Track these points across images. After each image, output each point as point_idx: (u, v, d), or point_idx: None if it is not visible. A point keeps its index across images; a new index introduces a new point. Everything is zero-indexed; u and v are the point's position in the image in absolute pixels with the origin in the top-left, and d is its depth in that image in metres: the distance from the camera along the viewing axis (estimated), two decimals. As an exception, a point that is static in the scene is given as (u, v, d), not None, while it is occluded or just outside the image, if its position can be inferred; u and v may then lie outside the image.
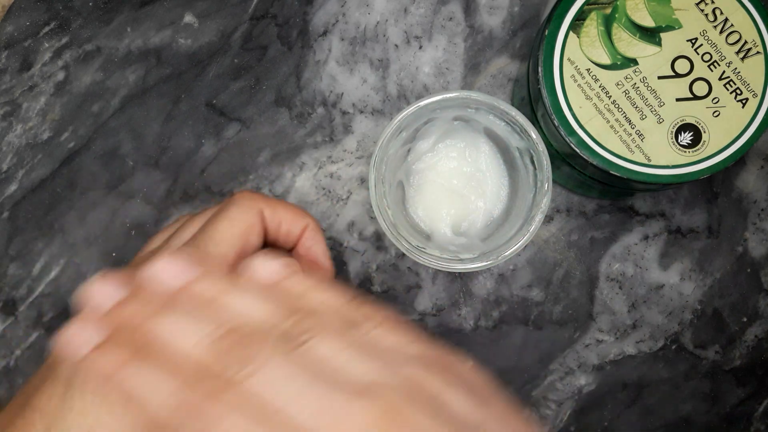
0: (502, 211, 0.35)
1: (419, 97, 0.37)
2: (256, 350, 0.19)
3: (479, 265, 0.31)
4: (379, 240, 0.38)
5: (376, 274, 0.38)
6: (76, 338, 0.20)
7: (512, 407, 0.21)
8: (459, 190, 0.34)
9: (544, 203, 0.31)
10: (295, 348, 0.19)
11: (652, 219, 0.38)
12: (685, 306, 0.38)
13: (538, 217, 0.30)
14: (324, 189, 0.38)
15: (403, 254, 0.38)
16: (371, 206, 0.38)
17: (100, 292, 0.22)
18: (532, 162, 0.32)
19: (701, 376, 0.38)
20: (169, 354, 0.19)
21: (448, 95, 0.31)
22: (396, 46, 0.38)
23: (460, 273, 0.38)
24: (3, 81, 0.38)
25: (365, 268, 0.38)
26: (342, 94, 0.38)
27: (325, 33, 0.38)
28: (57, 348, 0.20)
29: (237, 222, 0.26)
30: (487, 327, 0.38)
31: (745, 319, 0.38)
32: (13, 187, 0.38)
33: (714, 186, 0.38)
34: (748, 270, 0.38)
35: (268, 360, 0.19)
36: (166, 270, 0.21)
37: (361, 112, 0.38)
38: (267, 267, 0.22)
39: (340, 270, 0.38)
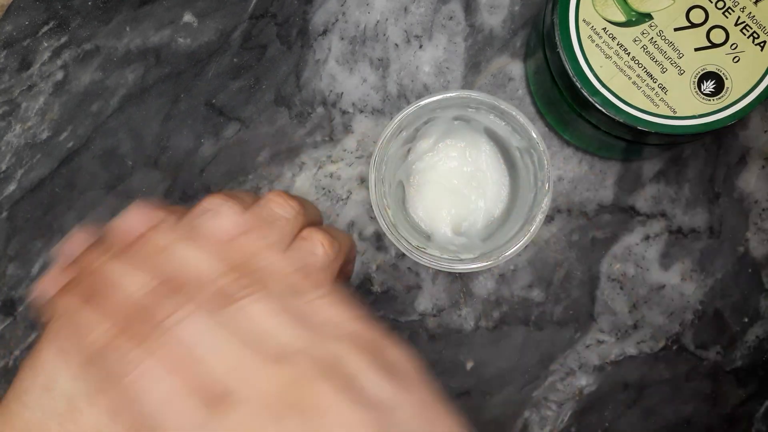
0: (502, 211, 0.35)
1: (419, 97, 0.37)
2: (186, 301, 0.20)
3: (480, 265, 0.31)
4: (379, 240, 0.38)
5: (376, 274, 0.38)
6: (45, 283, 0.22)
7: (436, 396, 0.21)
8: (459, 190, 0.34)
9: (545, 203, 0.30)
10: (227, 304, 0.20)
11: (653, 219, 0.38)
12: (686, 306, 0.38)
13: (539, 217, 0.30)
14: (324, 189, 0.38)
15: (403, 254, 0.38)
16: (371, 206, 0.38)
17: (74, 242, 0.23)
18: (533, 161, 0.32)
19: (702, 376, 0.38)
20: (114, 296, 0.20)
21: (448, 95, 0.31)
22: (396, 45, 0.38)
23: (460, 273, 0.38)
24: (2, 80, 0.38)
25: (365, 268, 0.38)
26: (342, 93, 0.38)
27: (324, 32, 0.38)
28: (35, 293, 0.22)
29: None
30: (487, 327, 0.38)
31: (746, 320, 0.38)
32: (12, 187, 0.38)
33: (715, 186, 0.38)
34: (750, 270, 0.38)
35: (194, 312, 0.19)
36: (128, 218, 0.23)
37: (361, 111, 0.38)
38: (223, 221, 0.22)
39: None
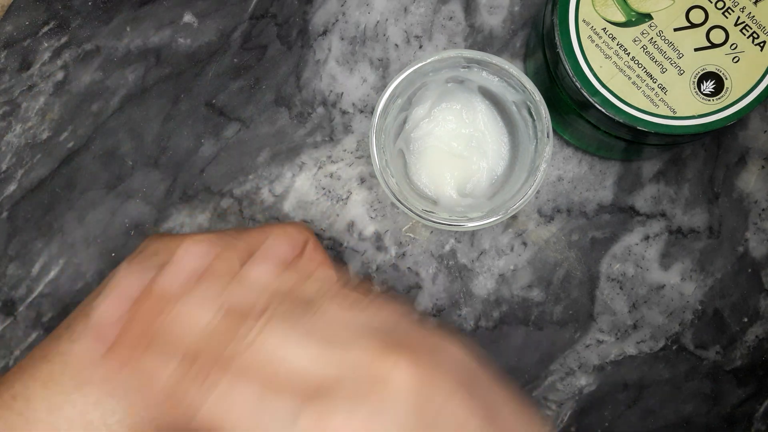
0: (505, 167, 0.35)
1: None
2: (256, 319, 0.21)
3: (490, 220, 0.31)
4: (379, 240, 0.38)
5: (376, 274, 0.38)
6: (98, 331, 0.23)
7: (501, 379, 0.22)
8: (460, 153, 0.34)
9: (547, 152, 0.30)
10: (295, 314, 0.22)
11: (653, 219, 0.38)
12: (685, 306, 0.38)
13: (543, 167, 0.30)
14: (324, 189, 0.38)
15: (404, 254, 0.38)
16: (371, 206, 0.38)
17: (126, 282, 0.24)
18: (530, 113, 0.32)
19: (702, 376, 0.38)
20: (175, 339, 0.21)
21: (438, 56, 0.31)
22: (396, 45, 0.38)
23: (460, 272, 0.38)
24: (2, 81, 0.38)
25: (365, 268, 0.38)
26: (342, 93, 0.38)
27: (324, 32, 0.38)
28: (88, 325, 0.24)
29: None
30: (487, 327, 0.38)
31: (745, 320, 0.38)
32: (12, 187, 0.38)
33: (715, 186, 0.38)
34: (749, 270, 0.38)
35: (267, 324, 0.21)
36: (184, 257, 0.24)
37: (361, 111, 0.38)
38: (272, 257, 0.25)
39: (340, 270, 0.38)
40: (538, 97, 0.31)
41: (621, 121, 0.31)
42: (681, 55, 0.31)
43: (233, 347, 0.21)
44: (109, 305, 0.24)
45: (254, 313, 0.22)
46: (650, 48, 0.31)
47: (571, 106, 0.33)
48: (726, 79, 0.31)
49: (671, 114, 0.31)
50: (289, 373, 0.20)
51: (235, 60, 0.38)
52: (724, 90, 0.31)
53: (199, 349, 0.21)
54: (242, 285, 0.23)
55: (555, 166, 0.38)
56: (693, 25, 0.31)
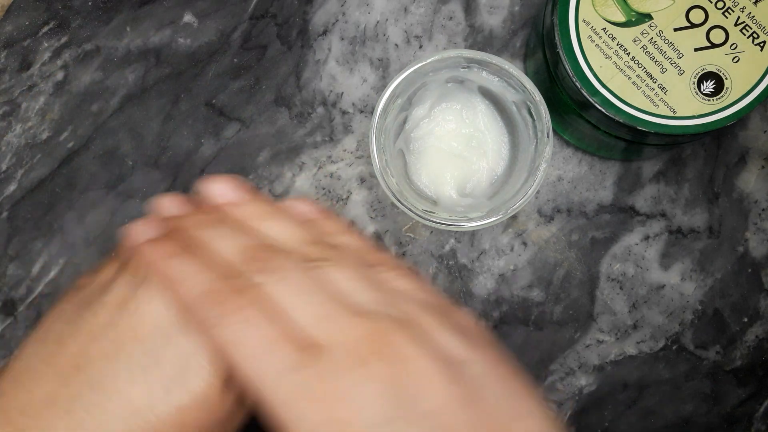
0: (505, 167, 0.35)
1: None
2: (279, 262, 0.22)
3: (490, 220, 0.31)
4: (379, 240, 0.38)
5: (376, 275, 0.38)
6: (136, 231, 0.24)
7: (504, 357, 0.22)
8: (460, 153, 0.34)
9: (547, 152, 0.31)
10: (312, 268, 0.22)
11: (653, 219, 0.38)
12: (685, 306, 0.38)
13: (543, 167, 0.30)
14: (324, 189, 0.38)
15: (404, 254, 0.38)
16: (371, 206, 0.38)
17: (165, 204, 0.26)
18: (530, 113, 0.32)
19: (702, 376, 0.38)
20: (208, 254, 0.22)
21: (438, 56, 0.31)
22: (396, 45, 0.38)
23: (460, 272, 0.38)
24: (2, 81, 0.38)
25: (365, 268, 0.38)
26: (342, 93, 0.38)
27: (324, 32, 0.38)
28: (120, 237, 0.25)
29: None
30: (487, 327, 0.38)
31: (745, 320, 0.38)
32: (12, 187, 0.38)
33: (715, 186, 0.38)
34: (749, 270, 0.38)
35: (287, 271, 0.22)
36: (220, 188, 0.26)
37: (361, 111, 0.38)
38: (305, 206, 0.26)
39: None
40: (538, 97, 0.31)
41: (621, 121, 0.31)
42: (681, 55, 0.31)
43: (263, 279, 0.21)
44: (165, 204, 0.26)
45: (281, 250, 0.23)
46: (650, 48, 0.31)
47: (571, 106, 0.33)
48: (726, 79, 0.31)
49: (671, 114, 0.31)
50: (297, 325, 0.21)
51: (235, 60, 0.38)
52: (724, 90, 0.31)
53: (234, 272, 0.22)
54: (277, 223, 0.24)
55: (555, 166, 0.38)
56: (693, 25, 0.31)
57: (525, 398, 0.21)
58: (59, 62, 0.38)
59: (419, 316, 0.22)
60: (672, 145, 0.35)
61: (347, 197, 0.38)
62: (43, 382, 0.22)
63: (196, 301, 0.21)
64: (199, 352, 0.22)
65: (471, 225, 0.31)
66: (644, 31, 0.31)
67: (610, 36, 0.31)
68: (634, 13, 0.31)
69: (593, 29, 0.31)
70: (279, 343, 0.20)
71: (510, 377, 0.22)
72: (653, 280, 0.38)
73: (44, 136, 0.38)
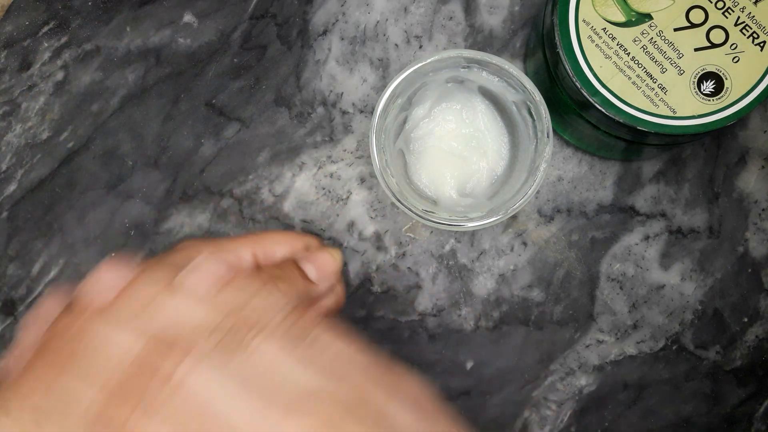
0: (505, 167, 0.35)
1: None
2: (184, 355, 0.18)
3: (490, 220, 0.31)
4: (379, 240, 0.38)
5: (376, 274, 0.38)
6: (9, 362, 0.20)
7: (458, 425, 0.20)
8: (460, 153, 0.34)
9: (547, 152, 0.31)
10: (231, 353, 0.19)
11: (653, 219, 0.38)
12: (685, 306, 0.38)
13: (543, 167, 0.30)
14: (324, 189, 0.38)
15: (404, 254, 0.38)
16: (371, 206, 0.38)
17: (46, 305, 0.22)
18: (530, 113, 0.32)
19: (702, 376, 0.38)
20: (94, 361, 0.19)
21: (438, 56, 0.31)
22: (396, 45, 0.38)
23: (460, 272, 0.38)
24: (2, 81, 0.38)
25: (365, 268, 0.38)
26: (342, 93, 0.38)
27: (324, 32, 0.38)
28: None
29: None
30: (487, 327, 0.38)
31: (745, 320, 0.38)
32: (12, 187, 0.38)
33: (715, 186, 0.38)
34: (749, 270, 0.38)
35: (196, 365, 0.18)
36: (101, 276, 0.21)
37: (361, 111, 0.38)
38: (202, 277, 0.21)
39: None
40: (538, 97, 0.31)
41: (621, 121, 0.31)
42: (681, 55, 0.31)
43: (159, 386, 0.18)
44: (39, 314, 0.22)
45: (182, 344, 0.18)
46: (650, 48, 0.31)
47: (571, 106, 0.33)
48: (726, 79, 0.31)
49: (671, 114, 0.31)
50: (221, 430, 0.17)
51: (235, 60, 0.38)
52: (724, 90, 0.31)
53: (123, 382, 0.18)
54: (171, 306, 0.20)
55: (555, 166, 0.38)
56: (693, 25, 0.31)
57: None
58: (59, 62, 0.38)
59: (368, 392, 0.19)
60: (672, 145, 0.35)
61: (347, 197, 0.38)
62: None
63: (90, 428, 0.18)
64: None
65: (471, 225, 0.31)
66: (644, 31, 0.31)
67: (610, 36, 0.31)
68: (634, 13, 0.31)
69: (593, 29, 0.31)
70: None
71: None
72: (653, 280, 0.38)
73: (44, 136, 0.38)
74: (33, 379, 0.19)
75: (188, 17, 0.38)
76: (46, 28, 0.38)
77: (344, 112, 0.38)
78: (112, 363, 0.18)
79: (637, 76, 0.31)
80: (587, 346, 0.38)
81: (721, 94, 0.31)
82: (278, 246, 0.24)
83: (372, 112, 0.38)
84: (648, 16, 0.31)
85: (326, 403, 0.18)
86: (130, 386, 0.18)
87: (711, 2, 0.31)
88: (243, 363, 0.18)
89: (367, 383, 0.19)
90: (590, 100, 0.31)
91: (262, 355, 0.19)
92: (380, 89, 0.38)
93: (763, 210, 0.38)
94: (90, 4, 0.38)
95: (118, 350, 0.19)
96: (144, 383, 0.18)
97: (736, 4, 0.31)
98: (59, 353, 0.19)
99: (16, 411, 0.18)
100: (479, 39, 0.38)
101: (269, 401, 0.18)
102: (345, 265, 0.38)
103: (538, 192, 0.38)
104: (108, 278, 0.21)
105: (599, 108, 0.31)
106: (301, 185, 0.38)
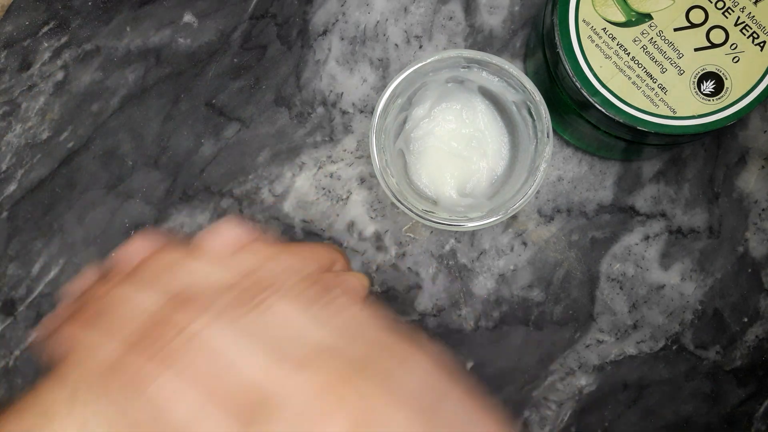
0: (505, 167, 0.35)
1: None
2: (201, 311, 0.19)
3: (490, 220, 0.31)
4: (379, 240, 0.38)
5: (376, 274, 0.38)
6: (47, 322, 0.22)
7: (472, 394, 0.20)
8: (460, 153, 0.34)
9: (547, 152, 0.31)
10: (246, 311, 0.19)
11: (653, 219, 0.38)
12: (685, 306, 0.38)
13: (543, 167, 0.30)
14: (324, 189, 0.38)
15: (404, 254, 0.38)
16: (371, 206, 0.38)
17: (84, 277, 0.23)
18: (530, 113, 0.32)
19: (702, 376, 0.38)
20: (115, 317, 0.20)
21: (438, 56, 0.31)
22: (396, 45, 0.38)
23: (460, 272, 0.38)
24: (2, 81, 0.38)
25: (365, 268, 0.38)
26: (342, 93, 0.38)
27: (324, 32, 0.38)
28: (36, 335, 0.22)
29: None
30: (487, 327, 0.38)
31: (745, 320, 0.38)
32: (12, 187, 0.38)
33: (715, 186, 0.38)
34: (749, 270, 0.38)
35: (211, 321, 0.19)
36: (131, 246, 0.23)
37: (361, 111, 0.38)
38: (228, 232, 0.22)
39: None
40: (538, 97, 0.31)
41: (621, 121, 0.31)
42: (681, 55, 0.31)
43: (174, 338, 0.18)
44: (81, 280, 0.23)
45: (199, 301, 0.19)
46: (650, 48, 0.31)
47: (571, 106, 0.33)
48: (726, 79, 0.31)
49: (671, 114, 0.31)
50: (233, 384, 0.18)
51: (235, 60, 0.38)
52: (724, 90, 0.31)
53: (142, 335, 0.19)
54: (191, 267, 0.21)
55: (555, 166, 0.38)
56: (693, 25, 0.31)
57: None
58: (59, 62, 0.38)
59: (378, 354, 0.19)
60: (672, 145, 0.35)
61: (347, 197, 0.38)
62: None
63: (108, 376, 0.18)
64: None
65: (471, 225, 0.31)
66: (644, 31, 0.31)
67: (610, 36, 0.31)
68: (634, 13, 0.31)
69: (593, 29, 0.31)
70: (212, 408, 0.18)
71: (480, 413, 0.20)
72: (653, 280, 0.38)
73: (44, 136, 0.38)
74: (59, 337, 0.20)
75: (188, 17, 0.38)
76: (46, 28, 0.38)
77: (344, 112, 0.38)
78: (133, 319, 0.19)
79: (637, 76, 0.31)
80: (587, 346, 0.38)
81: (721, 94, 0.31)
82: (306, 262, 0.24)
83: (372, 112, 0.38)
84: (648, 16, 0.31)
85: (337, 361, 0.18)
86: (147, 338, 0.19)
87: (711, 2, 0.31)
88: (257, 319, 0.19)
89: (379, 347, 0.19)
90: (590, 100, 0.31)
91: (275, 313, 0.19)
92: (380, 89, 0.38)
93: (763, 210, 0.38)
94: (90, 4, 0.38)
95: (139, 308, 0.20)
96: (161, 335, 0.19)
97: (736, 4, 0.31)
98: (87, 314, 0.20)
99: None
100: (479, 39, 0.38)
101: (281, 356, 0.18)
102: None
103: (538, 192, 0.38)
104: (139, 247, 0.22)
105: (599, 108, 0.31)
106: (301, 185, 0.38)
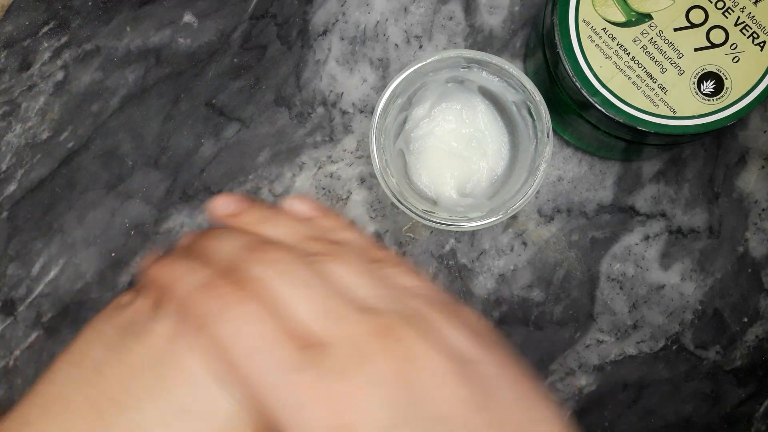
0: (505, 167, 0.35)
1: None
2: (279, 255, 0.21)
3: (490, 220, 0.31)
4: (379, 240, 0.38)
5: (376, 275, 0.38)
6: (146, 261, 0.24)
7: (513, 357, 0.21)
8: (460, 153, 0.34)
9: (547, 152, 0.31)
10: (314, 262, 0.22)
11: (653, 219, 0.38)
12: (685, 306, 0.38)
13: (543, 167, 0.30)
14: (324, 189, 0.38)
15: (404, 254, 0.38)
16: (371, 206, 0.38)
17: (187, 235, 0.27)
18: (530, 113, 0.32)
19: (702, 376, 0.38)
20: (207, 255, 0.22)
21: (438, 56, 0.31)
22: (396, 45, 0.38)
23: (460, 272, 0.38)
24: (2, 81, 0.38)
25: (365, 268, 0.38)
26: (342, 93, 0.38)
27: (324, 32, 0.38)
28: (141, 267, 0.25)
29: None
30: (492, 326, 0.38)
31: (745, 320, 0.38)
32: (12, 187, 0.38)
33: (715, 186, 0.38)
34: (749, 270, 0.38)
35: (287, 264, 0.21)
36: (219, 203, 0.26)
37: (361, 111, 0.38)
38: (304, 204, 0.26)
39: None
40: (538, 97, 0.31)
41: (621, 121, 0.31)
42: (681, 55, 0.31)
43: (262, 272, 0.21)
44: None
45: (274, 245, 0.22)
46: (650, 48, 0.31)
47: (571, 106, 0.33)
48: (726, 79, 0.31)
49: (671, 114, 0.31)
50: (299, 320, 0.20)
51: (235, 60, 0.38)
52: (724, 90, 0.31)
53: (232, 267, 0.21)
54: (276, 223, 0.24)
55: (555, 166, 0.38)
56: (693, 25, 0.31)
57: (539, 402, 0.20)
58: (59, 62, 0.38)
59: (427, 313, 0.21)
60: (672, 145, 0.35)
61: (347, 197, 0.38)
62: (77, 415, 0.20)
63: (192, 297, 0.20)
64: (241, 413, 0.20)
65: (471, 225, 0.31)
66: (644, 31, 0.31)
67: (610, 36, 0.31)
68: (634, 13, 0.31)
69: (593, 29, 0.31)
70: (280, 340, 0.19)
71: (522, 380, 0.21)
72: (653, 280, 0.38)
73: (44, 136, 0.38)
74: (162, 264, 0.23)
75: (188, 17, 0.38)
76: (46, 28, 0.38)
77: (344, 112, 0.38)
78: (219, 255, 0.22)
79: (637, 76, 0.31)
80: (587, 346, 0.38)
81: (721, 94, 0.31)
82: (372, 241, 0.27)
83: (372, 112, 0.38)
84: (648, 16, 0.31)
85: (388, 311, 0.20)
86: (230, 272, 0.21)
87: (711, 2, 0.31)
88: (323, 269, 0.21)
89: (428, 306, 0.21)
90: (590, 100, 0.31)
91: (339, 268, 0.22)
92: (380, 89, 0.38)
93: (763, 210, 0.38)
94: (90, 4, 0.38)
95: (226, 247, 0.22)
96: (242, 272, 0.21)
97: (736, 4, 0.31)
98: (190, 251, 0.23)
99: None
100: (479, 39, 0.38)
101: (341, 299, 0.20)
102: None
103: (538, 192, 0.38)
104: (224, 202, 0.26)
105: (599, 108, 0.31)
106: (301, 185, 0.38)
